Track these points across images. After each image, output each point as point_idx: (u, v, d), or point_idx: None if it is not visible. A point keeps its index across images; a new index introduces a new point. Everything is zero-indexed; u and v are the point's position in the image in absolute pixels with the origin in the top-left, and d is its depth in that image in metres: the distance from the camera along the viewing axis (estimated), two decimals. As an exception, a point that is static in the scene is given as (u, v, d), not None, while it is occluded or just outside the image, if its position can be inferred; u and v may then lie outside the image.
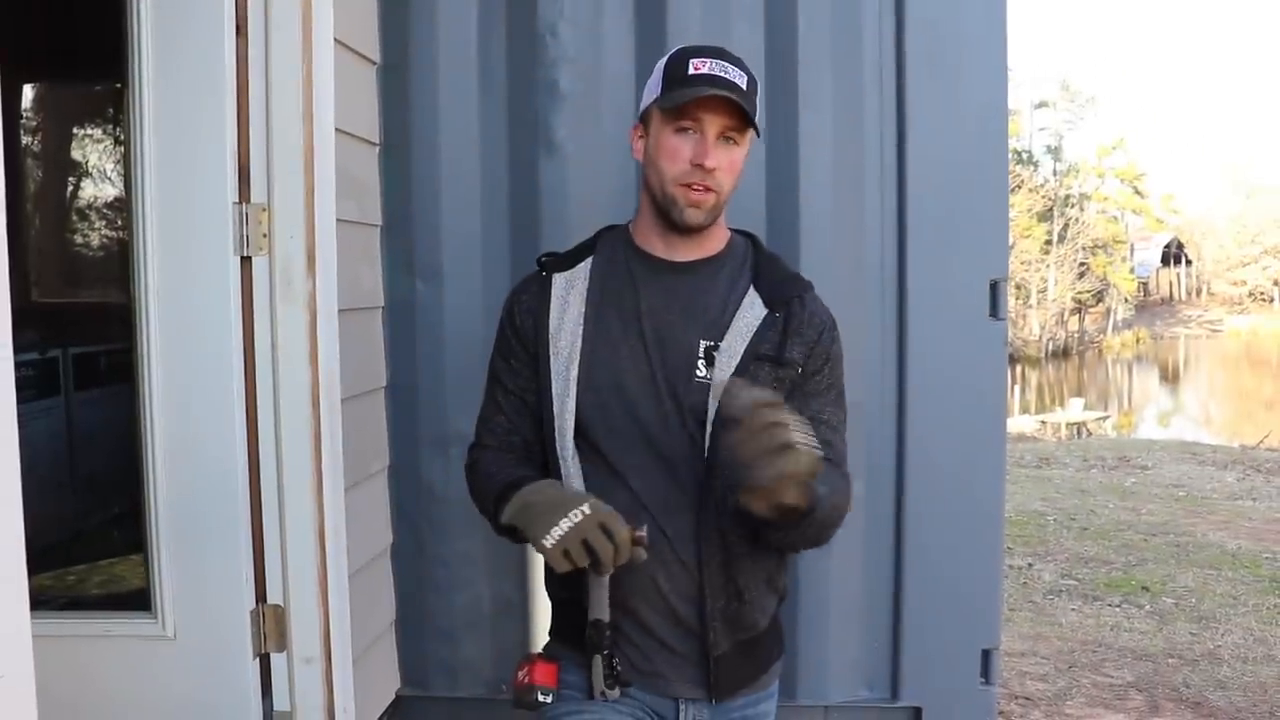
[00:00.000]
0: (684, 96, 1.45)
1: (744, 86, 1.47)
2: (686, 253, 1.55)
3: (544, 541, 1.37)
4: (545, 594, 1.67)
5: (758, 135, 1.53)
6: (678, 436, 1.49)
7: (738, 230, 1.64)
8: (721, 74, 1.46)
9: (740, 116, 1.46)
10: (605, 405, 1.50)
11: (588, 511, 1.37)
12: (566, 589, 1.54)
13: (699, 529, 1.49)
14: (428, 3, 2.51)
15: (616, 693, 1.48)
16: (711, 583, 1.51)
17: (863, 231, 2.50)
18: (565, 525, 1.36)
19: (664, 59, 1.53)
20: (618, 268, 1.57)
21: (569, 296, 1.55)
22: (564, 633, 1.59)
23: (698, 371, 1.50)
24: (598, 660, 1.46)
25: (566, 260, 1.60)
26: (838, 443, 1.53)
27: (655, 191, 1.52)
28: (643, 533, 1.39)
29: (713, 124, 1.46)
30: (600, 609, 1.44)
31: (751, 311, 1.52)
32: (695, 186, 1.47)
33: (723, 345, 1.50)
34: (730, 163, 1.49)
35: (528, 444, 1.58)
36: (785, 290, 1.55)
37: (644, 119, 1.55)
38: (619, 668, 1.47)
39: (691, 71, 1.47)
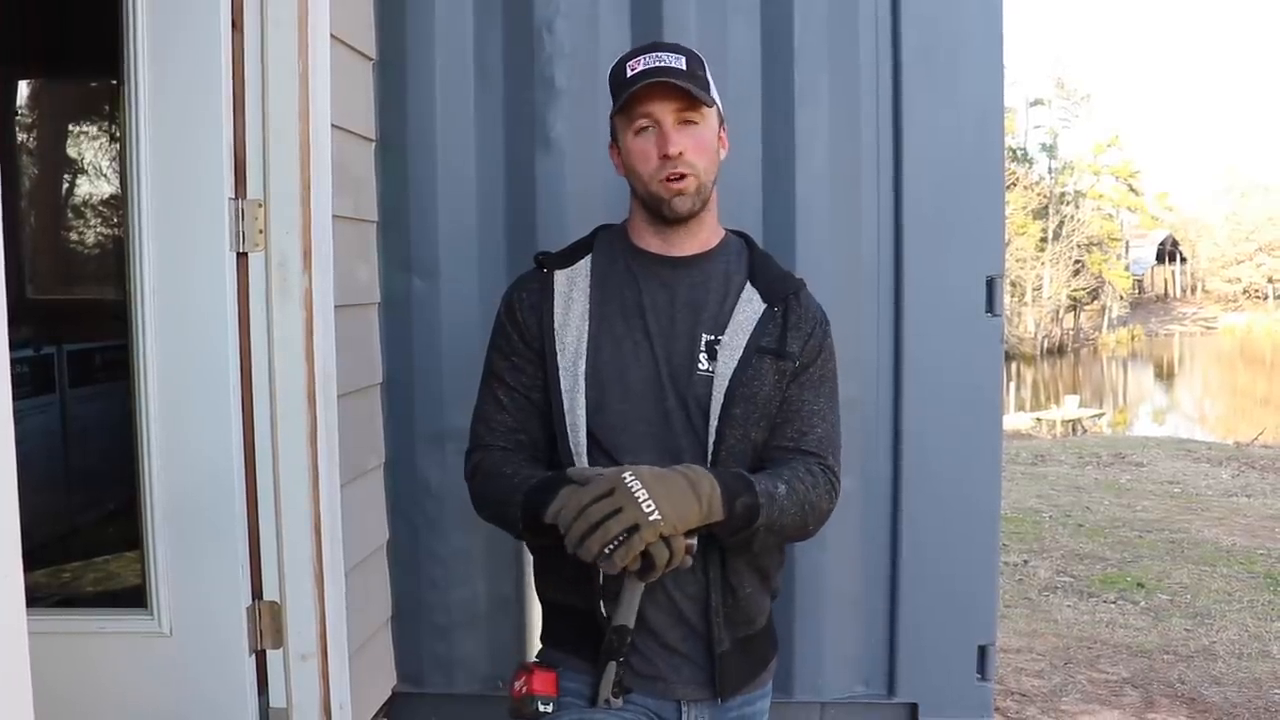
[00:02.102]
0: (624, 94, 1.49)
1: (682, 67, 1.49)
2: (682, 248, 1.56)
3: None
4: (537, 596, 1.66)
5: (722, 117, 1.53)
6: (681, 430, 1.50)
7: (732, 230, 1.65)
8: (656, 64, 1.49)
9: (686, 95, 1.47)
10: (611, 401, 1.50)
11: None
12: (564, 593, 1.54)
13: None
14: (424, -2, 2.51)
15: (620, 700, 1.47)
16: (715, 580, 1.51)
17: (859, 228, 2.50)
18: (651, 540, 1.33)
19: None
20: (617, 265, 1.58)
21: (572, 293, 1.56)
22: (562, 637, 1.58)
23: (699, 365, 1.50)
24: (611, 666, 1.45)
25: (565, 258, 1.60)
26: (829, 433, 1.54)
27: (641, 195, 1.54)
28: (694, 541, 1.37)
29: (665, 112, 1.48)
30: (629, 616, 1.43)
31: (750, 306, 1.53)
32: (671, 177, 1.49)
33: (724, 339, 1.51)
34: (696, 143, 1.49)
35: (534, 442, 1.56)
36: (782, 287, 1.57)
37: (614, 135, 1.57)
38: (622, 674, 1.47)
39: (629, 74, 1.50)
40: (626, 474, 1.33)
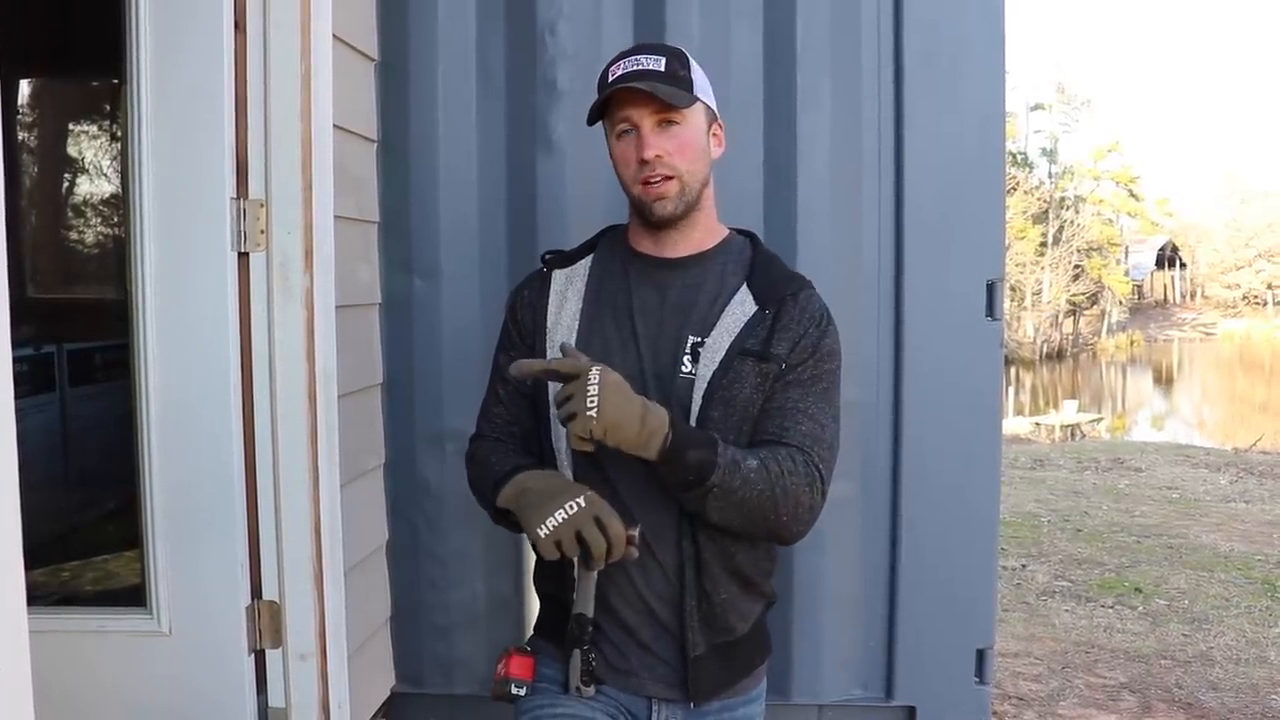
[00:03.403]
0: (600, 98, 1.50)
1: (660, 69, 1.48)
2: (676, 249, 1.57)
3: (537, 530, 1.39)
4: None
5: (687, 105, 1.49)
6: None
7: (738, 229, 1.64)
8: (634, 68, 1.48)
9: (660, 99, 1.46)
10: None
11: (583, 504, 1.38)
12: (551, 584, 1.56)
13: (678, 527, 1.49)
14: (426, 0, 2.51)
15: (591, 690, 1.49)
16: (689, 582, 1.51)
17: (860, 232, 2.51)
18: (560, 515, 1.38)
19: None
20: (614, 266, 1.59)
21: (568, 293, 1.58)
22: (546, 627, 1.61)
23: (682, 367, 1.50)
24: (576, 655, 1.47)
25: (568, 258, 1.62)
26: (813, 431, 1.48)
27: (629, 198, 1.55)
28: (635, 531, 1.40)
29: (644, 116, 1.48)
30: (585, 604, 1.45)
31: (741, 308, 1.52)
32: (651, 179, 1.49)
33: (708, 341, 1.50)
34: (677, 145, 1.49)
35: (526, 435, 1.60)
36: (779, 289, 1.55)
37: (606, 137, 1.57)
38: (594, 664, 1.48)
39: (610, 78, 1.50)
40: (595, 370, 1.37)
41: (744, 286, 1.55)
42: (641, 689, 1.55)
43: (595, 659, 1.48)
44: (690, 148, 1.50)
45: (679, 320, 1.53)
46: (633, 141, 1.49)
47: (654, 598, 1.51)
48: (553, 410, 1.51)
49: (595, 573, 1.44)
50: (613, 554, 1.39)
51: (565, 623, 1.49)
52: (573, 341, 1.53)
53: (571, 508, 1.38)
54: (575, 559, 1.41)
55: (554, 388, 1.49)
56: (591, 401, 1.34)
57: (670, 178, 1.49)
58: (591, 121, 1.54)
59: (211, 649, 2.03)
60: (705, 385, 1.48)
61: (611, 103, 1.49)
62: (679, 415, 1.48)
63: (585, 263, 1.61)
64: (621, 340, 1.53)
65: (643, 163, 1.48)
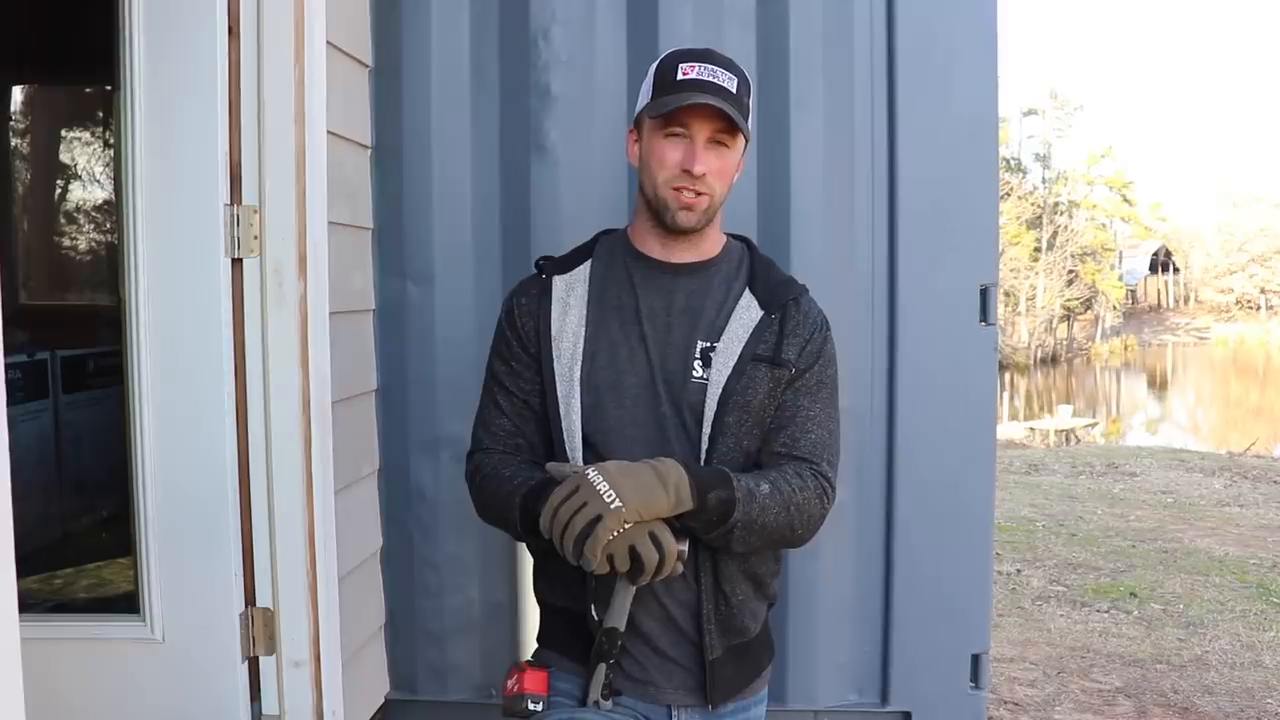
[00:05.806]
0: (672, 104, 1.46)
1: (733, 90, 1.48)
2: (683, 255, 1.57)
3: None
4: (534, 598, 1.66)
5: (747, 140, 1.54)
6: (675, 437, 1.50)
7: (733, 235, 1.65)
8: (710, 79, 1.47)
9: (729, 121, 1.47)
10: (605, 406, 1.51)
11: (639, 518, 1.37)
12: (566, 596, 1.54)
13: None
14: (420, 6, 2.51)
15: (610, 703, 1.47)
16: (706, 587, 1.51)
17: (853, 236, 2.51)
18: (616, 530, 1.35)
19: (655, 62, 1.54)
20: (616, 271, 1.58)
21: (569, 299, 1.56)
22: (556, 639, 1.59)
23: (694, 372, 1.51)
24: (601, 668, 1.46)
25: (565, 263, 1.61)
26: (825, 439, 1.53)
27: (649, 195, 1.53)
28: (685, 546, 1.38)
29: (701, 130, 1.47)
30: (619, 618, 1.44)
31: (748, 313, 1.53)
32: (686, 190, 1.48)
33: (720, 346, 1.51)
34: (720, 167, 1.50)
35: (532, 446, 1.57)
36: (781, 293, 1.56)
37: (637, 123, 1.56)
38: (611, 676, 1.47)
39: (680, 77, 1.47)
40: (590, 470, 1.36)
41: (747, 291, 1.56)
42: (660, 697, 1.54)
43: (612, 671, 1.47)
44: (729, 172, 1.52)
45: (688, 325, 1.53)
46: (680, 146, 1.48)
47: (673, 604, 1.51)
48: (567, 419, 1.49)
49: (635, 588, 1.41)
50: (663, 569, 1.37)
51: (579, 634, 1.48)
52: (580, 348, 1.52)
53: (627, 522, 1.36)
54: (621, 573, 1.38)
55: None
56: (609, 495, 1.33)
57: (704, 194, 1.49)
58: (655, 114, 1.48)
59: (205, 656, 2.03)
60: (720, 390, 1.49)
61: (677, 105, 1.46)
62: (691, 420, 1.49)
63: (584, 268, 1.59)
64: (629, 345, 1.53)
65: (687, 173, 1.47)
